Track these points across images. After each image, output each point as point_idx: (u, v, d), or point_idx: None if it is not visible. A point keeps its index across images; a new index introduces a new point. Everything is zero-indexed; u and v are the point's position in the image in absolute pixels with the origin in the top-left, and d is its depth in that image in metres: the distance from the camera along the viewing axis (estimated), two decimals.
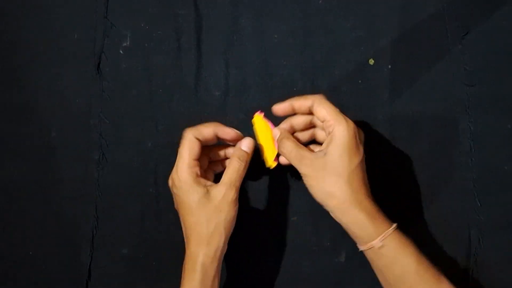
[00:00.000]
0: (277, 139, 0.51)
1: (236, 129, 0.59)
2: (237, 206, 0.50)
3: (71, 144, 0.59)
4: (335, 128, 0.48)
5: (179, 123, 0.59)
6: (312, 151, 0.50)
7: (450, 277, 0.58)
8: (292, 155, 0.49)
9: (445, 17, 0.60)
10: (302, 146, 0.50)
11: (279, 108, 0.51)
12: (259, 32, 0.61)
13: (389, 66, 0.60)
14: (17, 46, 0.60)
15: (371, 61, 0.60)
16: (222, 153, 0.55)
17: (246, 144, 0.52)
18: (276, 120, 0.54)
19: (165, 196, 0.59)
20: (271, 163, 0.53)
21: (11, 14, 0.61)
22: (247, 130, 0.59)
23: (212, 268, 0.49)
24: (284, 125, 0.52)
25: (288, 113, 0.52)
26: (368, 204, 0.48)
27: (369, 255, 0.49)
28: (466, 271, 0.58)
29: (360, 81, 0.60)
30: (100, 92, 0.60)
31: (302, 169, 0.49)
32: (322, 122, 0.50)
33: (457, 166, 0.59)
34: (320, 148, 0.50)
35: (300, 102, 0.51)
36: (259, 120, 0.54)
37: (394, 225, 0.48)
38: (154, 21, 0.61)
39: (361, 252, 0.58)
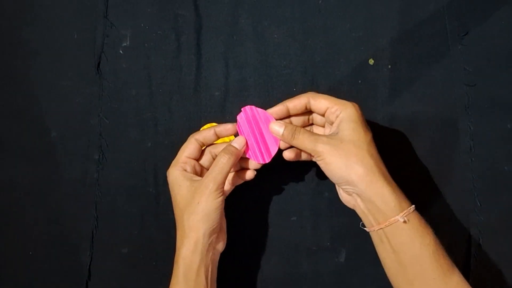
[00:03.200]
0: (286, 134, 0.50)
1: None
2: (219, 199, 0.49)
3: (71, 144, 0.59)
4: (343, 110, 0.49)
5: (179, 123, 0.59)
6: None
7: None
8: (306, 140, 0.49)
9: (445, 17, 0.60)
10: (313, 132, 0.51)
11: (273, 112, 0.52)
12: (259, 32, 0.61)
13: (389, 66, 0.60)
14: (17, 46, 0.60)
15: (371, 61, 0.60)
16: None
17: (237, 141, 0.52)
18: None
19: (165, 196, 0.59)
20: None
21: (11, 14, 0.61)
22: None
23: (194, 261, 0.49)
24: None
25: (283, 115, 0.52)
26: (391, 178, 0.48)
27: (387, 233, 0.48)
28: (466, 271, 0.58)
29: (360, 81, 0.60)
30: (100, 92, 0.60)
31: (319, 147, 0.48)
32: (324, 112, 0.51)
33: (457, 166, 0.59)
34: (330, 131, 0.51)
35: (294, 102, 0.51)
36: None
37: (412, 206, 0.48)
38: (154, 21, 0.61)
39: (361, 252, 0.58)
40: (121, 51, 0.60)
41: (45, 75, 0.60)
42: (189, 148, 0.52)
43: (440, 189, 0.59)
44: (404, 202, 0.48)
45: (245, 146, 0.52)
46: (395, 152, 0.58)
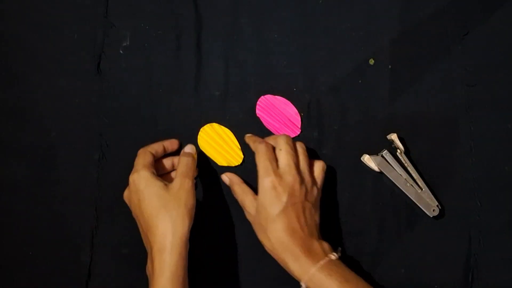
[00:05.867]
0: (229, 184, 0.57)
1: (236, 129, 0.59)
2: (195, 196, 0.52)
3: (71, 144, 0.59)
4: (259, 177, 0.52)
5: (179, 123, 0.59)
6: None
7: (451, 277, 0.58)
8: (239, 197, 0.55)
9: (445, 17, 0.60)
10: (247, 191, 0.55)
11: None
12: (259, 32, 0.61)
13: (389, 66, 0.60)
14: (17, 46, 0.60)
15: (371, 61, 0.60)
16: (169, 163, 0.57)
17: (188, 148, 0.56)
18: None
19: None
20: (236, 162, 0.59)
21: (11, 14, 0.61)
22: (247, 130, 0.59)
23: (181, 259, 0.49)
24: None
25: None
26: (293, 247, 0.50)
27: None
28: (466, 271, 0.58)
29: (360, 81, 0.60)
30: (100, 92, 0.60)
31: (246, 216, 0.55)
32: None
33: (457, 166, 0.59)
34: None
35: (251, 144, 0.56)
36: (213, 128, 0.58)
37: (316, 266, 0.49)
38: (154, 21, 0.61)
39: (360, 252, 0.58)
40: (121, 51, 0.60)
41: (45, 75, 0.60)
42: (147, 156, 0.54)
43: (440, 189, 0.59)
44: (308, 266, 0.49)
45: (195, 150, 0.56)
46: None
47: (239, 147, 0.59)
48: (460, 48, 0.60)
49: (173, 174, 0.57)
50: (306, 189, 0.52)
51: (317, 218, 0.54)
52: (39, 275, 0.58)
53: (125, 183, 0.59)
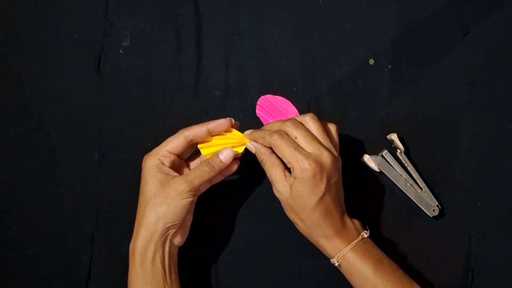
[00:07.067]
0: (255, 153, 0.53)
1: (236, 129, 0.59)
2: (189, 199, 0.51)
3: (71, 144, 0.59)
4: (295, 169, 0.49)
5: (179, 123, 0.59)
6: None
7: (450, 277, 0.58)
8: (267, 172, 0.52)
9: (445, 17, 0.60)
10: (278, 165, 0.51)
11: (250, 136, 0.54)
12: (259, 32, 0.61)
13: (389, 66, 0.60)
14: (17, 46, 0.60)
15: (371, 61, 0.60)
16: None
17: (224, 153, 0.52)
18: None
19: None
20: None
21: (11, 14, 0.61)
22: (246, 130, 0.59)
23: (149, 251, 0.50)
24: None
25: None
26: (328, 229, 0.50)
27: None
28: (466, 271, 0.58)
29: (360, 81, 0.60)
30: (100, 92, 0.60)
31: (275, 192, 0.52)
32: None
33: (457, 166, 0.59)
34: (290, 180, 0.51)
35: (262, 141, 0.52)
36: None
37: (350, 245, 0.51)
38: (154, 21, 0.61)
39: None
40: (121, 51, 0.60)
41: (45, 75, 0.60)
42: (174, 143, 0.52)
43: (440, 189, 0.59)
44: (341, 245, 0.51)
45: (231, 159, 0.52)
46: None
47: (240, 133, 0.55)
48: (460, 48, 0.60)
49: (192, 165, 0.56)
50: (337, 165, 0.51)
51: (343, 191, 0.53)
52: (39, 275, 0.58)
53: (125, 183, 0.59)
